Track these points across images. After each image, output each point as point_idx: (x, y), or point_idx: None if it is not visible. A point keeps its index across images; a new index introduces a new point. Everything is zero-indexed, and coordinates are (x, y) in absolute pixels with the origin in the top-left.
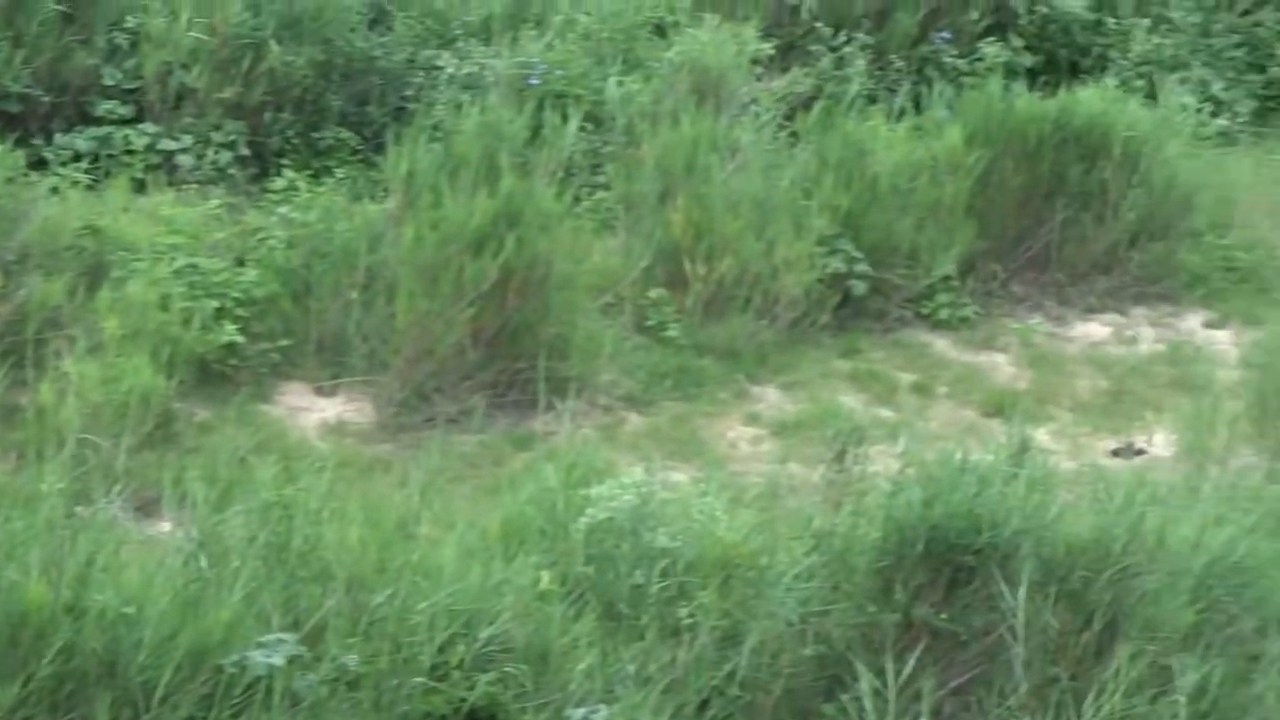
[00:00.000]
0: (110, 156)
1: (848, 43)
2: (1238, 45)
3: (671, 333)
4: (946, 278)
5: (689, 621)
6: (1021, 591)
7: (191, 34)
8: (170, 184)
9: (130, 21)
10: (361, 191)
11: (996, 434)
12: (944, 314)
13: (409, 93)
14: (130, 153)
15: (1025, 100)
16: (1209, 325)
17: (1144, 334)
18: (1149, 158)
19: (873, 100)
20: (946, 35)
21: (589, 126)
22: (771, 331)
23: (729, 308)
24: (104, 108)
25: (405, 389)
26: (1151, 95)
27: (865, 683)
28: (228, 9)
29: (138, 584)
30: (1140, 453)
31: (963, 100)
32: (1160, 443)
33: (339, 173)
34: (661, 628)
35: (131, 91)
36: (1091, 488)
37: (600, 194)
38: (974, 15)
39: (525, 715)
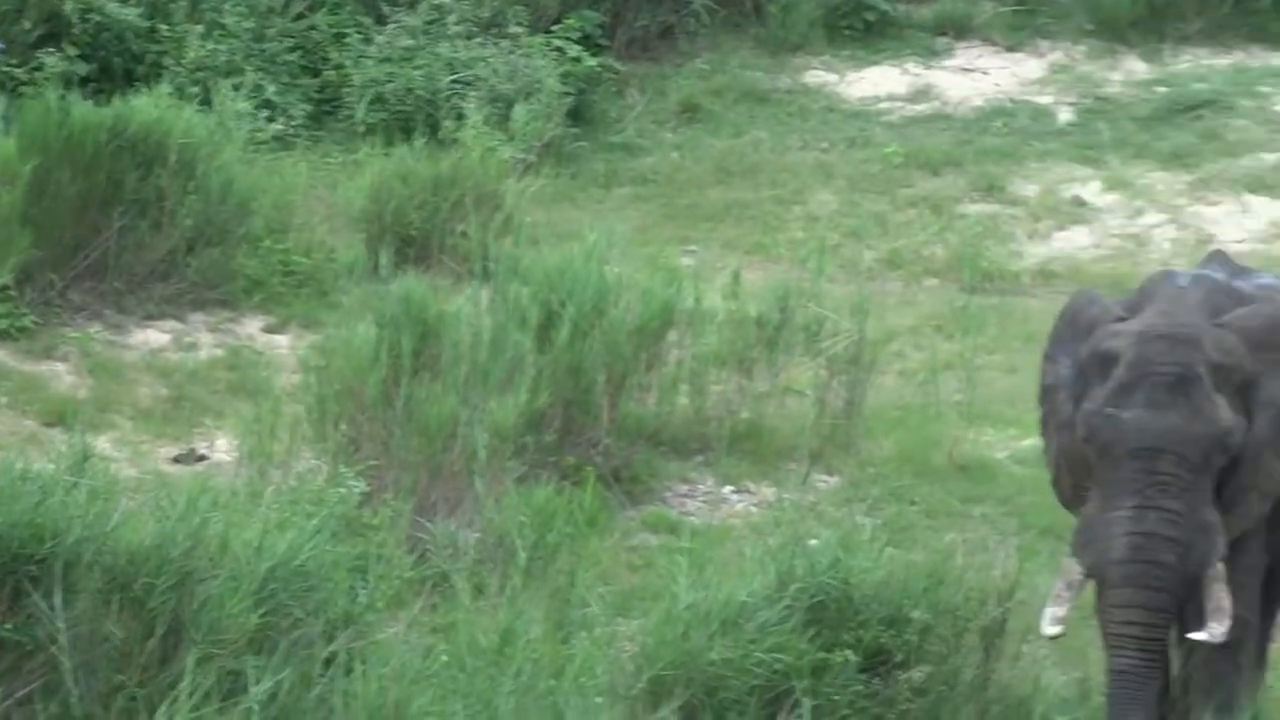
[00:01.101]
0: None
1: None
2: (291, 50)
3: None
4: (4, 288)
5: None
6: (76, 600)
7: None
8: None
9: None
10: None
11: (58, 443)
12: (2, 324)
13: None
14: None
15: (80, 109)
16: (268, 330)
17: (203, 340)
18: (205, 163)
19: None
20: (1, 45)
21: None
22: None
23: None
24: None
25: None
26: (207, 101)
27: None
28: None
29: None
30: (202, 459)
31: (20, 110)
32: (222, 448)
33: None
34: None
35: None
36: (154, 495)
37: None
38: (27, 25)
39: None
